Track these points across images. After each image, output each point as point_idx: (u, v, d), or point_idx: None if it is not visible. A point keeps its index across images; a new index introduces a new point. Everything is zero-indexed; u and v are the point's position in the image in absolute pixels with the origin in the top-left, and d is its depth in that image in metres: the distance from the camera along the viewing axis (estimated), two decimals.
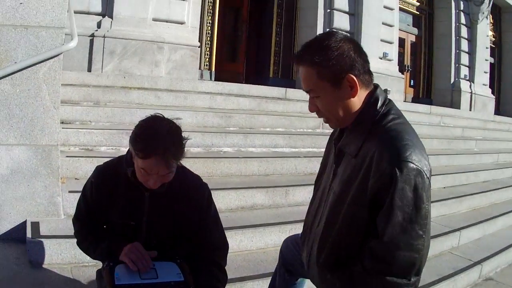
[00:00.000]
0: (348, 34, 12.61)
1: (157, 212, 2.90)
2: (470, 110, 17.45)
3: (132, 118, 6.77)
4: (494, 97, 19.75)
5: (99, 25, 9.57)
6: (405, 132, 2.21)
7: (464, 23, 17.99)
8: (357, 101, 2.31)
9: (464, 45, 18.03)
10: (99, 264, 3.20)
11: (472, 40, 18.30)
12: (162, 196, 2.86)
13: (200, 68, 12.03)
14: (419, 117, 12.38)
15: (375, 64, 13.14)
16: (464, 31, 17.97)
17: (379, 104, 2.30)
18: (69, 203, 4.68)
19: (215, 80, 12.03)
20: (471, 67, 18.27)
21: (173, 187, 2.86)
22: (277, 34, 14.05)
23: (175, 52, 10.33)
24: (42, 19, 4.67)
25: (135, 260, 2.71)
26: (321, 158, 2.89)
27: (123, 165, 2.88)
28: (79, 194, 3.19)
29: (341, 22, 13.39)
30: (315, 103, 2.36)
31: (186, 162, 5.92)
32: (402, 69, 16.39)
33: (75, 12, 8.79)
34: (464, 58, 18.02)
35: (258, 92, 9.82)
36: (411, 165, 2.07)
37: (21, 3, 4.58)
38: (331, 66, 2.22)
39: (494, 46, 21.03)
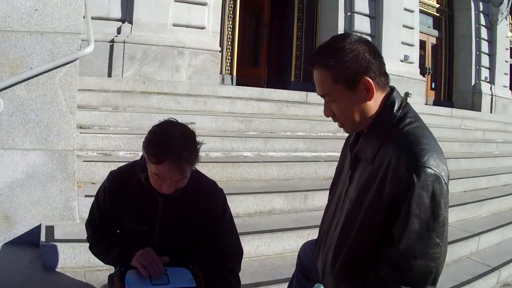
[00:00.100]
0: (369, 37, 12.59)
1: (170, 217, 2.86)
2: (491, 112, 17.24)
3: (151, 122, 6.64)
4: None
5: (119, 30, 9.64)
6: (422, 136, 2.14)
7: (484, 24, 17.77)
8: (373, 104, 2.23)
9: (484, 46, 17.80)
10: (112, 269, 3.16)
11: (492, 41, 18.07)
12: (175, 201, 2.82)
13: (221, 73, 12.03)
14: (440, 120, 12.28)
15: (396, 67, 13.12)
16: (484, 32, 17.76)
17: (396, 107, 2.23)
18: (85, 208, 4.63)
19: (236, 84, 12.00)
20: (491, 68, 18.03)
21: (187, 192, 2.82)
22: (298, 38, 14.00)
23: (195, 57, 10.34)
24: (58, 25, 4.69)
25: (146, 266, 2.68)
26: None
27: (137, 170, 2.85)
28: None
29: (362, 25, 13.33)
30: (330, 107, 2.29)
31: (204, 167, 5.96)
32: (423, 71, 16.26)
33: (95, 18, 8.87)
34: (485, 60, 17.79)
35: (278, 96, 9.78)
36: (429, 170, 2.00)
37: (36, 10, 4.61)
38: (346, 69, 2.15)
39: None
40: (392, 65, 13.13)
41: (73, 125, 4.80)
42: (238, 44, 12.87)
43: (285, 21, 14.37)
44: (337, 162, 2.74)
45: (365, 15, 13.49)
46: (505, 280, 5.85)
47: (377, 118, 2.24)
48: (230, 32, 12.85)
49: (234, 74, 12.72)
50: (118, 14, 9.71)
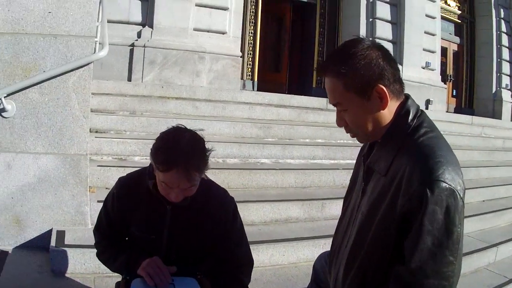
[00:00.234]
0: (390, 43, 12.48)
1: (178, 226, 2.78)
2: (511, 120, 16.99)
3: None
4: None
5: (139, 34, 9.67)
6: (437, 147, 2.01)
7: (505, 31, 17.51)
8: (387, 113, 2.11)
9: (505, 53, 17.54)
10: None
11: None
12: (184, 209, 2.74)
13: (242, 78, 12.01)
14: (460, 128, 12.14)
15: (417, 74, 13.04)
16: (504, 39, 17.49)
17: (411, 116, 2.12)
18: (98, 213, 4.63)
19: (257, 90, 11.98)
20: None
21: (196, 200, 2.74)
22: (319, 44, 13.92)
23: (216, 62, 10.33)
24: (72, 28, 4.68)
25: (152, 275, 2.61)
26: None
27: (146, 177, 2.79)
28: None
29: (384, 31, 13.24)
30: (343, 117, 2.18)
31: (221, 173, 5.92)
32: (444, 78, 16.06)
33: (115, 22, 8.93)
34: (506, 67, 17.52)
35: (298, 103, 9.70)
36: (444, 184, 1.88)
37: (49, 12, 4.61)
38: (358, 76, 2.03)
39: None
40: (413, 72, 13.12)
41: (86, 129, 4.79)
42: (259, 49, 12.85)
43: (306, 26, 14.32)
44: None
45: (387, 21, 13.41)
46: None
47: (391, 128, 2.13)
48: (251, 37, 12.84)
49: (255, 79, 12.69)
50: (138, 18, 9.74)
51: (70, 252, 4.19)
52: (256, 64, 12.76)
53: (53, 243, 4.29)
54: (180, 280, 2.68)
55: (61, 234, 4.45)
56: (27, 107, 4.57)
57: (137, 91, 8.12)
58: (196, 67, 9.97)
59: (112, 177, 5.29)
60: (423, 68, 14.11)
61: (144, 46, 9.48)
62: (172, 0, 9.81)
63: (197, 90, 8.80)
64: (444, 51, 16.61)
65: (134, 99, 7.78)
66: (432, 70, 14.60)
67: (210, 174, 5.61)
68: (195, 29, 10.22)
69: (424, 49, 14.14)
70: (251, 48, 12.69)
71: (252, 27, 12.85)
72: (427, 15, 14.26)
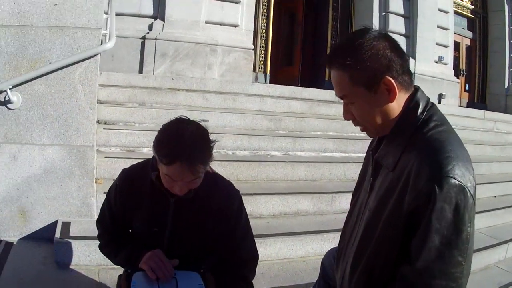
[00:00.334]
0: (403, 37, 12.39)
1: (182, 219, 2.74)
2: None
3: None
4: None
5: (150, 27, 9.67)
6: (448, 142, 1.94)
7: None
8: (396, 106, 2.05)
9: None
10: None
11: None
12: (188, 202, 2.70)
13: (254, 71, 11.99)
14: (472, 122, 11.97)
15: (430, 68, 12.97)
16: None
17: (420, 109, 2.05)
18: None
19: (270, 83, 11.91)
20: None
21: (200, 193, 2.70)
22: (332, 37, 13.81)
23: (228, 55, 10.31)
24: (78, 20, 4.67)
25: (154, 268, 2.59)
26: None
27: (149, 169, 2.75)
28: None
29: (397, 25, 13.11)
30: (350, 110, 2.12)
31: (230, 165, 5.90)
32: (457, 73, 15.94)
33: (126, 15, 8.95)
34: None
35: (310, 95, 9.61)
36: (453, 181, 1.80)
37: (55, 4, 4.60)
38: (365, 68, 1.97)
39: None
40: (426, 66, 13.03)
41: (92, 121, 4.78)
42: (272, 43, 12.81)
43: (319, 20, 14.26)
44: None
45: (399, 15, 13.28)
46: None
47: (400, 122, 2.06)
48: (264, 30, 12.81)
49: (268, 72, 12.66)
50: (150, 10, 9.74)
51: (75, 243, 4.19)
52: (269, 57, 12.73)
53: (57, 234, 4.28)
54: (183, 274, 2.65)
55: (66, 226, 4.45)
56: (33, 98, 4.57)
57: (147, 83, 8.09)
58: (208, 59, 9.95)
59: (119, 168, 5.17)
60: (436, 62, 13.98)
61: (156, 39, 9.47)
62: None
63: (208, 82, 8.75)
64: (457, 45, 16.48)
65: (144, 91, 7.77)
66: (445, 64, 14.47)
67: (219, 166, 5.66)
68: (207, 22, 10.20)
69: (437, 43, 14.00)
70: (263, 41, 12.66)
71: (264, 20, 12.81)
72: (440, 10, 14.11)
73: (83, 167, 4.71)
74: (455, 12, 15.94)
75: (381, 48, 1.98)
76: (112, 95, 7.28)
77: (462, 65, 17.33)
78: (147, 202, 2.75)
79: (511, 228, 6.84)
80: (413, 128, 2.01)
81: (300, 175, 6.49)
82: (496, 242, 6.04)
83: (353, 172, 6.73)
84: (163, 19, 9.71)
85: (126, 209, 2.82)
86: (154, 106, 7.43)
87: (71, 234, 4.31)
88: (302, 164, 6.60)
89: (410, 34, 13.36)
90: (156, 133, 2.55)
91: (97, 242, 3.40)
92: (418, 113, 2.03)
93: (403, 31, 13.24)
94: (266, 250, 4.75)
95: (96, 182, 4.89)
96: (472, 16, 17.66)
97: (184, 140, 2.42)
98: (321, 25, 14.11)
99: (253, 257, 2.98)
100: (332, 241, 4.99)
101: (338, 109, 9.10)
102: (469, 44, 17.69)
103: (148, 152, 5.97)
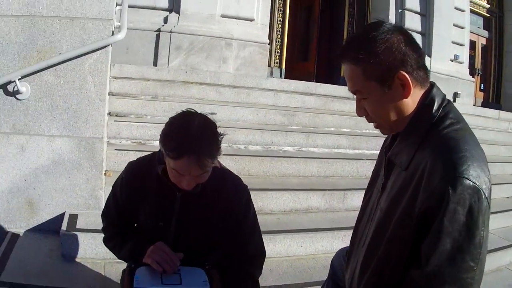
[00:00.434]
0: (419, 35, 12.30)
1: (188, 214, 2.69)
2: None
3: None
4: None
5: (165, 20, 9.65)
6: (463, 140, 1.85)
7: None
8: (411, 102, 1.98)
9: None
10: None
11: None
12: (195, 197, 2.65)
13: (269, 66, 11.94)
14: (486, 122, 11.84)
15: (446, 67, 12.90)
16: None
17: (436, 106, 1.97)
18: None
19: (285, 78, 11.82)
20: None
21: (208, 187, 2.65)
22: (348, 33, 13.59)
23: (243, 49, 10.27)
24: (89, 11, 4.63)
25: (159, 261, 2.53)
26: None
27: (156, 162, 2.69)
28: None
29: (413, 22, 12.97)
30: (363, 106, 2.05)
31: (242, 160, 5.86)
32: (472, 72, 15.78)
33: (142, 7, 8.95)
34: None
35: (324, 91, 9.54)
36: (467, 182, 1.72)
37: None
38: (379, 62, 1.90)
39: None
40: (441, 65, 12.92)
41: (102, 113, 4.74)
42: (287, 38, 12.76)
43: (335, 15, 14.16)
44: None
45: (416, 12, 13.15)
46: None
47: (414, 119, 1.99)
48: (279, 25, 12.73)
49: (283, 67, 12.60)
50: (165, 3, 9.72)
51: (81, 236, 4.17)
52: (284, 52, 12.66)
53: (64, 227, 4.26)
54: (187, 270, 2.60)
55: (73, 218, 4.43)
56: (42, 89, 4.55)
57: (160, 76, 8.06)
58: (222, 53, 9.92)
59: (129, 161, 5.26)
60: (452, 60, 13.87)
61: (171, 32, 9.46)
62: None
63: (222, 76, 8.71)
64: (472, 44, 16.31)
65: (157, 83, 7.74)
66: (461, 63, 14.35)
67: (230, 161, 5.62)
68: (222, 16, 10.15)
69: (452, 42, 13.88)
70: (279, 36, 12.62)
71: (280, 15, 12.73)
72: (456, 8, 13.97)
73: (92, 159, 4.68)
74: (471, 11, 15.80)
75: (395, 41, 1.91)
76: (124, 87, 7.26)
77: (478, 64, 17.20)
78: (153, 196, 2.70)
79: None
80: (428, 125, 1.94)
81: (312, 171, 6.44)
82: (508, 244, 5.95)
83: (366, 169, 6.70)
84: (178, 12, 9.68)
85: (132, 203, 2.78)
86: (167, 99, 7.41)
87: (77, 226, 4.29)
88: (314, 160, 6.55)
89: (426, 32, 13.24)
90: None
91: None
92: (434, 110, 1.95)
93: (419, 28, 13.11)
94: (275, 246, 4.72)
95: (105, 174, 4.87)
96: (488, 15, 17.52)
97: (191, 134, 2.37)
98: (337, 21, 14.02)
99: (260, 253, 2.92)
100: (342, 239, 4.94)
101: (352, 105, 8.97)
102: (484, 43, 17.58)
103: (159, 145, 5.93)
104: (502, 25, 17.66)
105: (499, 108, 15.44)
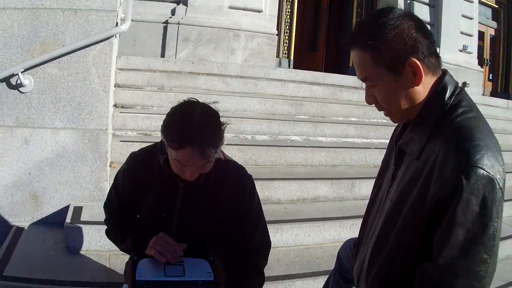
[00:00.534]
0: (428, 26, 12.23)
1: (191, 204, 2.65)
2: None
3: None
4: None
5: (173, 12, 9.64)
6: (477, 129, 1.80)
7: None
8: (422, 90, 1.93)
9: None
10: None
11: None
12: (198, 187, 2.60)
13: (278, 56, 11.92)
14: (495, 111, 11.72)
15: (454, 57, 12.86)
16: None
17: (448, 93, 1.92)
18: None
19: (293, 68, 11.74)
20: None
21: (211, 178, 2.60)
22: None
23: (251, 40, 10.25)
24: (92, 2, 4.61)
25: (162, 252, 2.49)
26: None
27: (158, 152, 2.66)
28: None
29: (421, 12, 12.79)
30: (372, 93, 2.01)
31: (248, 150, 5.84)
32: (481, 62, 15.74)
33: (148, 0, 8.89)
34: None
35: (332, 81, 9.48)
36: (481, 171, 1.67)
37: None
38: (389, 48, 1.86)
39: None
40: (450, 55, 12.80)
41: (106, 104, 4.73)
42: (296, 28, 12.74)
43: (344, 6, 14.13)
44: None
45: (424, 3, 13.09)
46: None
47: (426, 106, 1.94)
48: (288, 16, 12.72)
49: (291, 58, 12.59)
50: None
51: (86, 228, 4.15)
52: (293, 43, 12.66)
53: (68, 219, 4.25)
54: (190, 261, 2.55)
55: (77, 211, 4.42)
56: (45, 81, 4.53)
57: (166, 67, 8.05)
58: (231, 44, 9.91)
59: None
60: (460, 51, 13.80)
61: (178, 24, 9.45)
62: None
63: (229, 66, 8.66)
64: (481, 35, 16.31)
65: (163, 74, 7.72)
66: (469, 53, 14.26)
67: (237, 151, 5.61)
68: (230, 7, 10.13)
69: (461, 32, 13.80)
70: (287, 27, 12.60)
71: (289, 6, 12.71)
72: None
73: (96, 151, 4.67)
74: (480, 2, 15.71)
75: (406, 27, 1.87)
76: (130, 79, 7.24)
77: (486, 54, 17.19)
78: (155, 186, 2.67)
79: None
80: (440, 113, 1.89)
81: (320, 160, 6.40)
82: None
83: (374, 158, 6.66)
84: (186, 3, 9.68)
85: (134, 194, 2.75)
86: (173, 90, 7.37)
87: (82, 219, 4.27)
88: (322, 149, 6.52)
89: (435, 23, 13.16)
90: None
91: None
92: (446, 98, 1.91)
93: (427, 19, 13.03)
94: (282, 236, 4.69)
95: (110, 166, 4.87)
96: (497, 6, 17.53)
97: (194, 124, 2.33)
98: (346, 11, 13.96)
99: (266, 244, 2.88)
100: (350, 228, 4.92)
101: (361, 95, 8.98)
102: (493, 34, 17.59)
103: None
104: (511, 16, 17.68)
105: (507, 98, 15.45)
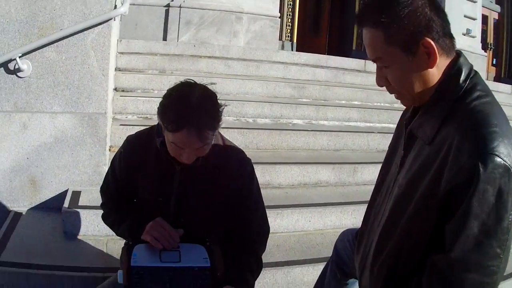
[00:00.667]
0: None
1: (188, 188, 2.62)
2: None
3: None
4: None
5: None
6: (493, 115, 1.71)
7: None
8: (436, 72, 1.84)
9: None
10: None
11: None
12: (195, 171, 2.56)
13: (280, 39, 11.88)
14: (499, 96, 11.29)
15: (458, 40, 12.66)
16: None
17: (463, 76, 1.83)
18: None
19: (296, 51, 11.68)
20: None
21: (209, 161, 2.56)
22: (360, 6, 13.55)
23: (254, 23, 10.19)
24: None
25: (158, 237, 2.46)
26: None
27: (154, 135, 2.63)
28: None
29: None
30: (384, 74, 1.91)
31: (250, 133, 5.81)
32: (484, 46, 15.69)
33: None
34: None
35: (335, 63, 9.36)
36: (498, 160, 1.58)
37: None
38: (402, 27, 1.77)
39: None
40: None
41: (105, 87, 4.70)
42: (299, 11, 12.71)
43: None
44: (392, 135, 2.37)
45: None
46: None
47: (439, 89, 1.85)
48: None
49: (294, 41, 12.56)
50: None
51: (83, 213, 4.13)
52: (296, 26, 12.64)
53: (66, 204, 4.23)
54: (186, 247, 2.52)
55: (76, 195, 4.41)
56: (43, 66, 4.50)
57: (168, 50, 7.99)
58: (233, 27, 9.86)
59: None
60: (464, 35, 13.73)
61: (180, 7, 9.40)
62: None
63: (231, 49, 8.59)
64: (484, 19, 16.27)
65: (165, 58, 7.67)
66: (473, 37, 14.21)
67: (238, 134, 5.57)
68: None
69: (465, 16, 13.73)
70: (290, 10, 12.57)
71: None
72: None
73: (95, 135, 4.65)
74: None
75: (420, 5, 1.78)
76: (131, 63, 7.20)
77: (490, 39, 17.13)
78: (152, 170, 2.64)
79: None
80: (454, 97, 1.81)
81: (322, 145, 6.34)
82: None
83: (377, 142, 6.60)
84: None
85: (130, 177, 2.72)
86: (175, 73, 7.31)
87: (80, 203, 4.25)
88: (324, 133, 6.44)
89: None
90: None
91: None
92: (461, 81, 1.83)
93: None
94: (282, 221, 4.65)
95: (110, 150, 4.84)
96: None
97: (191, 105, 2.29)
98: None
99: (264, 229, 2.85)
100: (352, 213, 4.87)
101: (364, 78, 8.95)
102: (497, 18, 17.53)
103: None
104: None
105: (511, 83, 15.36)
